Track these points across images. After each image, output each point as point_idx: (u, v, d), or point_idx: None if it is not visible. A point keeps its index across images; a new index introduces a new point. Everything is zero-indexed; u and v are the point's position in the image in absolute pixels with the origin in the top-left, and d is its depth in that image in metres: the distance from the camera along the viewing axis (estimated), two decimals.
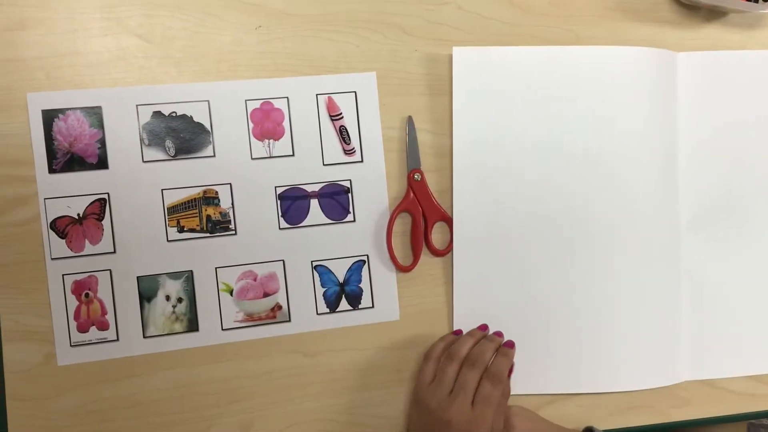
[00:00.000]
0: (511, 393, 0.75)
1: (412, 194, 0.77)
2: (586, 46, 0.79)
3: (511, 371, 0.73)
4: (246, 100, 0.74)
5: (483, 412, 0.68)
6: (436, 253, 0.77)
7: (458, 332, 0.76)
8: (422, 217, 0.77)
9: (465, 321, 0.77)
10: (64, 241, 0.71)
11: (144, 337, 0.73)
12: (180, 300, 0.73)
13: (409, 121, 0.77)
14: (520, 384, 0.78)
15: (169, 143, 0.72)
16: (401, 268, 0.76)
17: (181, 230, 0.73)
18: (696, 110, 0.81)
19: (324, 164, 0.75)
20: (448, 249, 0.78)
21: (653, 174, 0.79)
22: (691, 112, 0.81)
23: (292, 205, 0.75)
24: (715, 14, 0.83)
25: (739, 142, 0.82)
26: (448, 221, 0.78)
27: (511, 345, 0.74)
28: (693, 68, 0.81)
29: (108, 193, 0.72)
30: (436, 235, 0.78)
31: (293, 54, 0.75)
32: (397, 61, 0.77)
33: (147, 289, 0.73)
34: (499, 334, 0.76)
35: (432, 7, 0.78)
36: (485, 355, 0.71)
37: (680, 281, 0.81)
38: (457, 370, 0.70)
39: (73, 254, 0.71)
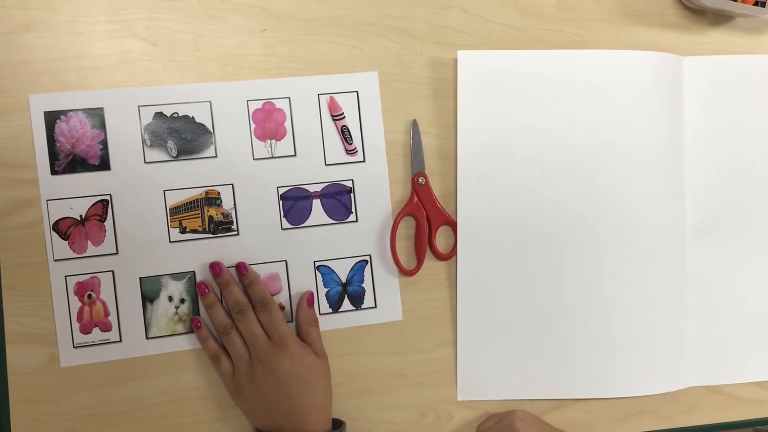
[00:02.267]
0: (517, 398, 0.70)
1: (416, 198, 0.71)
2: (592, 50, 0.73)
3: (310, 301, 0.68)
4: (248, 101, 0.68)
5: (281, 334, 0.63)
6: (440, 257, 0.71)
7: (196, 324, 0.67)
8: (426, 221, 0.71)
9: (469, 325, 0.71)
10: (66, 242, 0.66)
11: (147, 338, 0.67)
12: (183, 301, 0.67)
13: (414, 124, 0.71)
14: (526, 389, 0.71)
15: (171, 144, 0.67)
16: (405, 272, 0.70)
17: (183, 231, 0.67)
18: (702, 114, 0.75)
19: (326, 164, 0.70)
20: (452, 253, 0.71)
21: (659, 178, 0.73)
22: (697, 116, 0.75)
23: (295, 205, 0.69)
24: (721, 18, 0.76)
25: (745, 147, 0.76)
26: (453, 225, 0.71)
27: (243, 271, 0.66)
28: (699, 72, 0.75)
29: (110, 195, 0.66)
30: (440, 239, 0.72)
31: (298, 57, 0.69)
32: (402, 64, 0.71)
33: (149, 290, 0.67)
34: (218, 270, 0.66)
35: (437, 10, 0.72)
36: (238, 300, 0.65)
37: (686, 286, 0.74)
38: (237, 337, 0.64)
39: (75, 256, 0.66)
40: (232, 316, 0.65)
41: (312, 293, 0.68)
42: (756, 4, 0.72)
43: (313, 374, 0.64)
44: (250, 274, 0.66)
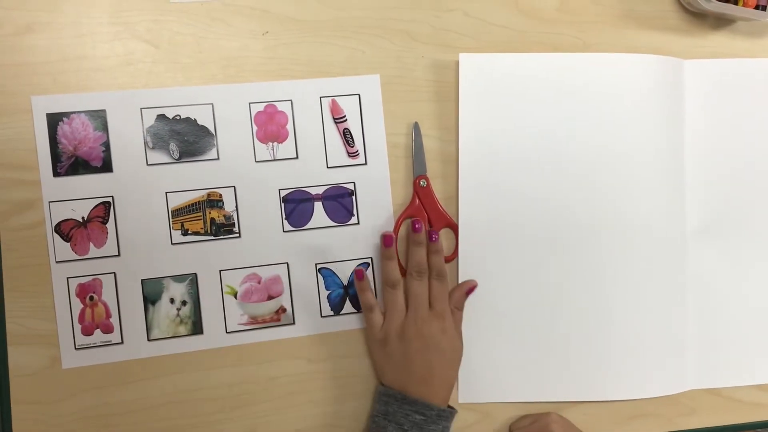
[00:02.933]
0: (518, 400, 0.70)
1: (417, 201, 0.70)
2: (593, 53, 0.72)
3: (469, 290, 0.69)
4: (250, 103, 0.68)
5: (442, 309, 0.65)
6: None
7: (360, 275, 0.68)
8: (428, 224, 0.70)
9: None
10: (68, 244, 0.65)
11: (148, 340, 0.67)
12: (184, 303, 0.67)
13: (416, 127, 0.70)
14: (527, 391, 0.71)
15: (173, 146, 0.66)
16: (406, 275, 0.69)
17: (185, 233, 0.67)
18: (703, 118, 0.74)
19: (328, 167, 0.69)
20: (454, 256, 0.71)
21: (660, 181, 0.72)
22: (698, 119, 0.74)
23: (296, 207, 0.68)
24: (722, 22, 0.75)
25: (746, 150, 0.75)
26: (454, 228, 0.71)
27: (434, 238, 0.67)
28: (700, 76, 0.74)
29: (112, 196, 0.66)
30: (442, 242, 0.71)
31: (300, 60, 0.69)
32: (404, 67, 0.71)
33: (151, 292, 0.66)
34: (418, 227, 0.67)
35: (439, 13, 0.71)
36: (422, 261, 0.67)
37: (686, 289, 0.73)
38: (401, 294, 0.66)
39: (77, 257, 0.65)
40: (410, 274, 0.67)
41: (475, 286, 0.69)
42: (757, 7, 0.71)
43: (455, 353, 0.66)
44: (438, 244, 0.67)
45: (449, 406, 0.66)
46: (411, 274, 0.67)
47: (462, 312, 0.69)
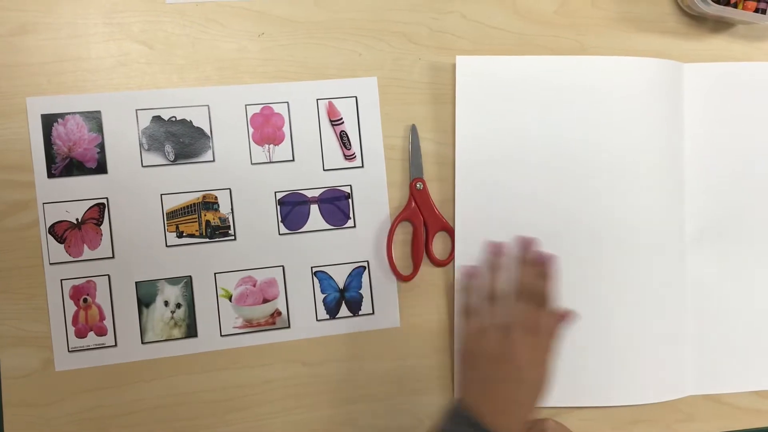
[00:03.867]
0: None
1: (413, 203, 0.69)
2: (591, 56, 0.71)
3: (563, 318, 0.63)
4: (246, 105, 0.67)
5: (543, 338, 0.60)
6: (437, 263, 0.69)
7: (466, 272, 0.66)
8: (423, 227, 0.69)
9: None
10: (62, 245, 0.64)
11: (142, 343, 0.65)
12: (179, 305, 0.66)
13: (413, 129, 0.69)
14: None
15: (168, 148, 0.65)
16: (401, 278, 0.68)
17: (180, 235, 0.66)
18: (702, 121, 0.73)
19: (324, 169, 0.68)
20: (449, 259, 0.70)
21: (659, 185, 0.71)
22: (697, 123, 0.73)
23: (292, 210, 0.67)
24: (721, 25, 0.74)
25: (745, 154, 0.74)
26: (450, 231, 0.70)
27: (542, 260, 0.64)
28: (699, 79, 0.73)
29: (107, 198, 0.65)
30: (437, 245, 0.70)
31: (296, 61, 0.68)
32: (401, 69, 0.70)
33: (145, 295, 0.65)
34: (527, 243, 0.65)
35: (436, 15, 0.70)
36: (529, 282, 0.62)
37: (685, 294, 0.72)
38: (500, 311, 0.62)
39: (71, 259, 0.64)
40: (521, 291, 0.62)
41: (571, 317, 0.64)
42: (756, 10, 0.70)
43: (544, 388, 0.59)
44: (548, 269, 0.64)
45: None
46: (516, 293, 0.63)
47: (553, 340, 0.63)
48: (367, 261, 0.69)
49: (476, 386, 0.59)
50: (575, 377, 0.69)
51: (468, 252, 0.69)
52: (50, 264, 0.64)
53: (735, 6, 0.71)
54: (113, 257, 0.65)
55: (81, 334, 0.65)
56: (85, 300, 0.65)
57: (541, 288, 0.62)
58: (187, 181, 0.66)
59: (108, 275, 0.65)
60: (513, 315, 0.61)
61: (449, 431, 0.57)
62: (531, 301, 0.61)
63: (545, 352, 0.60)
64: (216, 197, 0.66)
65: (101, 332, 0.65)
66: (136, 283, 0.65)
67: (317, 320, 0.68)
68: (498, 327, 0.60)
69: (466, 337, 0.63)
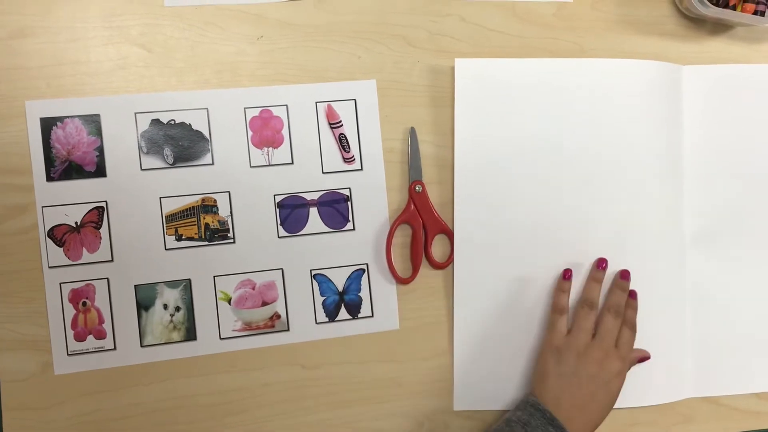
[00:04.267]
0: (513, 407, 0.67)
1: (413, 206, 0.69)
2: (590, 59, 0.71)
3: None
4: (245, 108, 0.67)
5: (626, 355, 0.64)
6: (436, 265, 0.69)
7: (568, 275, 0.68)
8: (423, 229, 0.69)
9: (465, 335, 0.69)
10: (61, 249, 0.64)
11: (141, 346, 0.65)
12: (178, 309, 0.65)
13: (412, 132, 0.69)
14: (521, 397, 0.69)
15: (167, 151, 0.65)
16: (400, 280, 0.68)
17: (179, 238, 0.65)
18: (701, 123, 0.73)
19: (323, 172, 0.68)
20: (449, 262, 0.69)
21: (658, 187, 0.71)
22: (696, 125, 0.73)
23: (291, 213, 0.67)
24: (720, 27, 0.74)
25: (744, 156, 0.74)
26: (449, 234, 0.69)
27: (634, 296, 0.68)
28: (698, 81, 0.73)
29: (106, 201, 0.64)
30: (437, 248, 0.70)
31: (295, 64, 0.68)
32: (400, 72, 0.69)
33: (145, 298, 0.65)
34: (624, 275, 0.68)
35: (435, 18, 0.70)
36: (621, 304, 0.66)
37: (685, 296, 0.72)
38: (594, 318, 0.66)
39: (70, 263, 0.64)
40: (607, 309, 0.66)
41: (648, 357, 0.69)
42: (755, 13, 0.70)
43: (614, 400, 0.64)
44: (634, 301, 0.68)
45: None
46: (609, 309, 0.66)
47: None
48: (366, 264, 0.69)
49: (558, 380, 0.62)
50: None
51: (467, 255, 0.69)
52: (49, 267, 0.64)
53: (733, 8, 0.71)
54: (112, 260, 0.65)
55: (80, 338, 0.64)
56: (84, 303, 0.64)
57: (630, 316, 0.67)
58: (186, 185, 0.66)
59: (107, 278, 0.65)
60: (606, 328, 0.65)
61: (522, 420, 0.60)
62: (618, 321, 0.66)
63: (626, 367, 0.64)
64: (215, 200, 0.66)
65: (100, 335, 0.65)
66: (135, 286, 0.65)
67: (316, 323, 0.68)
68: (589, 330, 0.65)
69: (557, 333, 0.65)
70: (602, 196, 0.70)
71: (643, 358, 0.68)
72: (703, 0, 0.68)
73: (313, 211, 0.68)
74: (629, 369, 0.66)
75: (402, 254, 0.69)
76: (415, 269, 0.69)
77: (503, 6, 0.71)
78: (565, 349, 0.64)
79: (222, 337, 0.66)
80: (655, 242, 0.71)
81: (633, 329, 0.66)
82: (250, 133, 0.67)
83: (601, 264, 0.68)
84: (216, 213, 0.66)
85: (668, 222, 0.71)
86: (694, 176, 0.72)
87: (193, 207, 0.66)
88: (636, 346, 0.68)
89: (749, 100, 0.73)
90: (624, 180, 0.70)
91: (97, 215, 0.64)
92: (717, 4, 0.70)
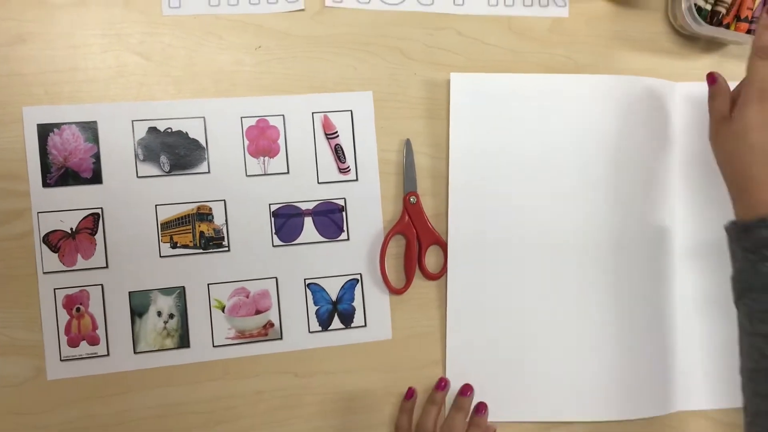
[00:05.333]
0: (505, 419, 0.68)
1: (407, 217, 0.69)
2: (584, 75, 0.71)
3: None
4: (242, 117, 0.66)
5: None
6: (430, 276, 0.69)
7: (410, 394, 0.67)
8: (416, 240, 0.69)
9: (458, 346, 0.68)
10: (56, 255, 0.64)
11: (135, 352, 0.65)
12: (171, 316, 0.65)
13: (407, 143, 0.69)
14: (514, 410, 0.69)
15: (163, 159, 0.65)
16: (394, 291, 0.68)
17: (174, 246, 0.65)
18: (692, 140, 0.73)
19: (319, 182, 0.68)
20: (442, 273, 0.69)
21: (648, 203, 0.71)
22: (688, 141, 0.73)
23: (286, 222, 0.67)
24: (714, 45, 0.74)
25: None
26: (443, 245, 0.69)
27: (481, 410, 0.66)
28: (691, 98, 0.73)
29: (101, 208, 0.64)
30: (430, 259, 0.69)
31: (292, 75, 0.68)
32: (396, 84, 0.69)
33: (138, 305, 0.65)
34: (466, 390, 0.67)
35: (432, 31, 0.70)
36: (456, 429, 0.64)
37: (674, 311, 0.71)
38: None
39: (65, 268, 0.64)
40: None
41: (485, 406, 0.67)
42: (749, 32, 0.70)
43: None
44: (484, 417, 0.67)
45: None
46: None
47: None
48: (360, 274, 0.68)
49: None
50: (564, 392, 0.69)
51: (460, 266, 0.69)
52: (44, 273, 0.64)
53: (727, 27, 0.71)
54: (107, 267, 0.64)
55: (73, 344, 0.64)
56: (78, 309, 0.64)
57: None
58: (181, 192, 0.65)
59: (101, 285, 0.64)
60: None
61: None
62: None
63: None
64: (210, 208, 0.66)
65: (94, 341, 0.64)
66: (129, 292, 0.65)
67: (309, 332, 0.67)
68: None
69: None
70: (594, 209, 0.70)
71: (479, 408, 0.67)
72: (697, 18, 0.68)
73: (308, 221, 0.67)
74: None
75: (396, 265, 0.69)
76: (409, 280, 0.69)
77: (499, 21, 0.71)
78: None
79: (215, 344, 0.66)
80: (646, 258, 0.70)
81: None
82: (246, 142, 0.66)
83: (440, 385, 0.67)
84: (211, 221, 0.66)
85: (658, 238, 0.71)
86: (683, 192, 0.72)
87: (189, 215, 0.65)
88: (623, 358, 0.68)
89: None
90: (615, 194, 0.70)
91: (93, 221, 0.64)
92: (711, 23, 0.70)
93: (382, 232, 0.69)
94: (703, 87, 0.72)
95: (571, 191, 0.70)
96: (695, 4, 0.69)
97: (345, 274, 0.68)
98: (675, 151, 0.72)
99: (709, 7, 0.69)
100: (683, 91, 0.73)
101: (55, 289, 0.64)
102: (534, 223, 0.69)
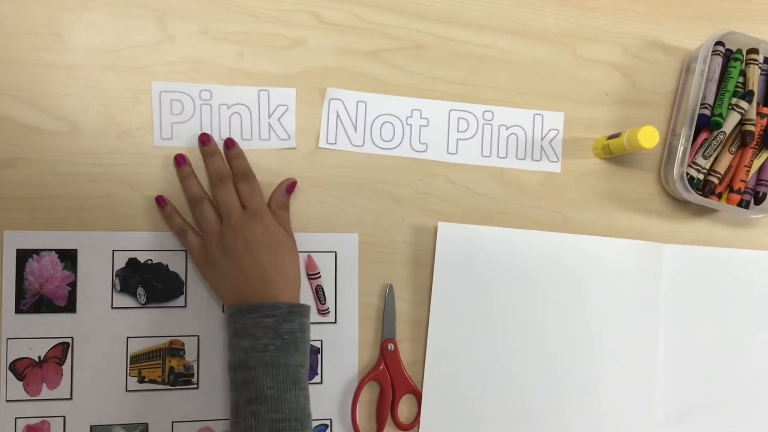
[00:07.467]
0: None
1: (382, 365, 0.66)
2: (572, 235, 0.69)
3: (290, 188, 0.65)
4: None
5: (259, 207, 0.60)
6: (402, 427, 0.66)
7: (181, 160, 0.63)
8: (391, 388, 0.66)
9: None
10: (21, 383, 0.62)
11: None
12: None
13: (389, 289, 0.67)
14: None
15: (140, 291, 0.63)
16: None
17: (141, 380, 0.63)
18: (679, 304, 0.71)
19: None
20: (414, 424, 0.66)
21: (631, 368, 0.68)
22: (674, 305, 0.71)
23: None
24: (705, 209, 0.73)
25: (719, 341, 0.72)
26: (417, 395, 0.67)
27: (231, 144, 0.63)
28: (679, 261, 0.71)
29: (72, 338, 0.62)
30: (403, 408, 0.67)
31: None
32: (383, 227, 0.68)
33: None
34: (206, 139, 0.63)
35: (423, 177, 0.69)
36: (220, 169, 0.62)
37: None
38: (210, 207, 0.61)
39: (28, 398, 0.62)
40: (212, 184, 0.62)
41: (295, 181, 0.65)
42: (740, 203, 0.68)
43: (284, 248, 0.60)
44: (237, 149, 0.63)
45: (299, 304, 0.59)
46: (213, 183, 0.62)
47: (287, 212, 0.64)
48: (330, 419, 0.66)
49: (226, 282, 0.60)
50: None
51: (434, 417, 0.66)
52: (6, 401, 0.61)
53: (719, 196, 0.69)
54: (71, 398, 0.62)
55: None
56: None
57: (238, 166, 0.63)
58: (155, 326, 0.63)
59: (64, 417, 0.62)
60: (222, 203, 0.61)
61: (233, 332, 0.57)
62: (233, 183, 0.62)
63: (267, 219, 0.60)
64: (183, 343, 0.64)
65: None
66: (90, 426, 0.62)
67: None
68: (213, 222, 0.61)
69: (192, 246, 0.62)
70: (574, 370, 0.68)
71: (288, 187, 0.64)
72: (688, 187, 0.66)
73: None
74: (285, 205, 0.64)
75: (367, 411, 0.66)
76: (380, 429, 0.66)
77: (492, 172, 0.70)
78: (208, 253, 0.60)
79: None
80: (626, 422, 0.68)
81: (247, 176, 0.62)
82: None
83: (179, 160, 0.63)
84: (182, 357, 0.64)
85: (640, 402, 0.69)
86: (668, 358, 0.70)
87: (160, 349, 0.63)
88: None
89: (727, 284, 0.72)
90: (597, 357, 0.68)
91: (62, 351, 0.62)
92: (703, 191, 0.68)
93: (357, 378, 0.66)
94: (693, 250, 0.70)
95: (552, 351, 0.68)
96: (687, 173, 0.67)
97: (315, 419, 0.65)
98: (659, 315, 0.70)
99: (701, 176, 0.68)
100: (671, 254, 0.71)
101: (16, 418, 0.61)
102: (512, 380, 0.67)
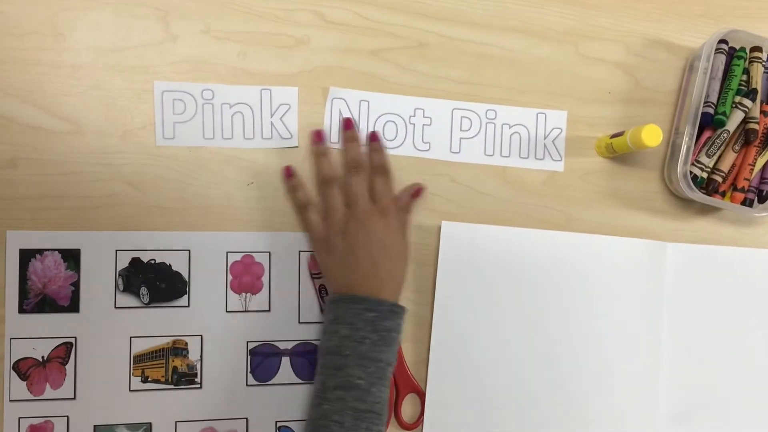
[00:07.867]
0: None
1: None
2: (576, 233, 0.69)
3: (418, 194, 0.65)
4: (227, 252, 0.64)
5: (388, 204, 0.60)
6: (405, 426, 0.66)
7: (288, 171, 0.64)
8: (394, 388, 0.66)
9: None
10: (25, 383, 0.61)
11: None
12: None
13: None
14: None
15: (144, 290, 0.63)
16: None
17: (144, 380, 0.63)
18: (682, 302, 0.71)
19: (300, 322, 0.65)
20: (418, 423, 0.66)
21: (635, 367, 0.68)
22: (677, 303, 0.70)
23: (263, 361, 0.64)
24: (709, 208, 0.72)
25: (722, 338, 0.71)
26: (421, 394, 0.66)
27: (375, 138, 0.64)
28: (682, 260, 0.71)
29: (75, 338, 0.62)
30: (406, 407, 0.67)
31: (282, 212, 0.66)
32: None
33: None
34: (349, 125, 0.64)
35: (426, 177, 0.68)
36: (357, 158, 0.62)
37: None
38: (339, 191, 0.61)
39: (32, 397, 0.61)
40: (347, 170, 0.62)
41: (422, 187, 0.65)
42: (744, 201, 0.68)
43: (400, 250, 0.61)
44: (378, 143, 0.64)
45: (400, 305, 0.59)
46: (348, 170, 0.62)
47: (409, 215, 0.64)
48: None
49: (337, 266, 0.60)
50: None
51: (437, 416, 0.66)
52: (10, 401, 0.61)
53: (723, 194, 0.69)
54: (74, 398, 0.62)
55: None
56: None
57: (376, 160, 0.63)
58: (158, 325, 0.63)
59: (67, 416, 0.62)
60: (352, 191, 0.61)
61: (332, 318, 0.58)
62: (362, 176, 0.62)
63: (392, 217, 0.60)
64: (186, 343, 0.63)
65: None
66: (94, 426, 0.62)
67: None
68: (339, 206, 0.61)
69: (313, 226, 0.62)
70: (578, 370, 0.68)
71: (414, 192, 0.64)
72: (692, 186, 0.66)
73: (285, 361, 0.65)
74: (408, 209, 0.63)
75: None
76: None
77: (495, 171, 0.69)
78: (328, 235, 0.60)
79: None
80: (630, 421, 0.68)
81: (384, 172, 0.62)
82: (230, 277, 0.64)
83: (317, 136, 0.64)
84: (186, 356, 0.63)
85: (644, 401, 0.68)
86: (671, 356, 0.69)
87: (163, 349, 0.63)
88: None
89: (731, 283, 0.72)
90: (601, 357, 0.68)
91: (65, 351, 0.62)
92: (707, 190, 0.68)
93: None
94: (697, 249, 0.70)
95: (556, 350, 0.67)
96: (691, 172, 0.67)
97: None
98: (663, 313, 0.70)
99: (705, 175, 0.68)
100: (675, 252, 0.70)
101: (19, 418, 0.61)
102: (516, 379, 0.67)
